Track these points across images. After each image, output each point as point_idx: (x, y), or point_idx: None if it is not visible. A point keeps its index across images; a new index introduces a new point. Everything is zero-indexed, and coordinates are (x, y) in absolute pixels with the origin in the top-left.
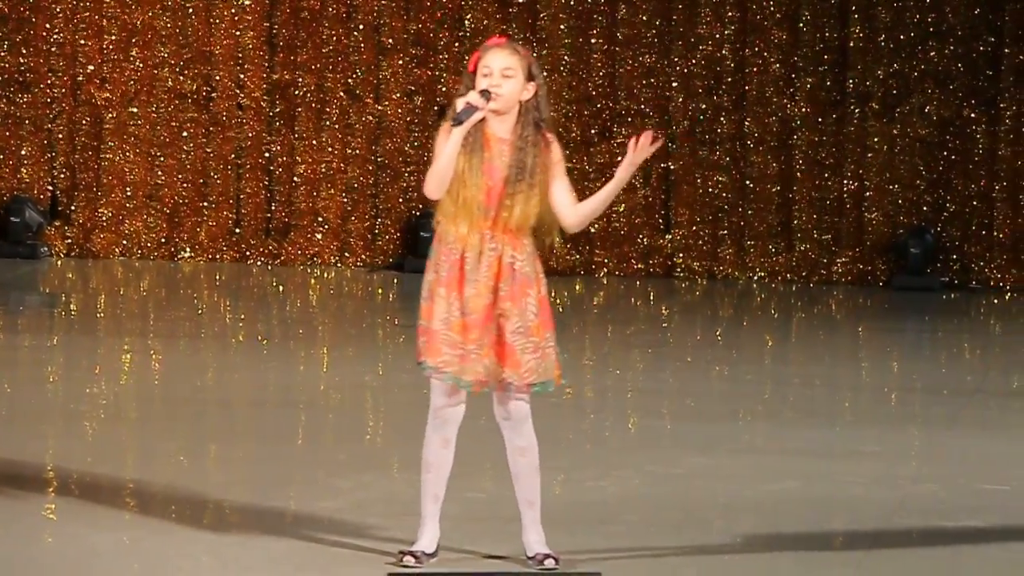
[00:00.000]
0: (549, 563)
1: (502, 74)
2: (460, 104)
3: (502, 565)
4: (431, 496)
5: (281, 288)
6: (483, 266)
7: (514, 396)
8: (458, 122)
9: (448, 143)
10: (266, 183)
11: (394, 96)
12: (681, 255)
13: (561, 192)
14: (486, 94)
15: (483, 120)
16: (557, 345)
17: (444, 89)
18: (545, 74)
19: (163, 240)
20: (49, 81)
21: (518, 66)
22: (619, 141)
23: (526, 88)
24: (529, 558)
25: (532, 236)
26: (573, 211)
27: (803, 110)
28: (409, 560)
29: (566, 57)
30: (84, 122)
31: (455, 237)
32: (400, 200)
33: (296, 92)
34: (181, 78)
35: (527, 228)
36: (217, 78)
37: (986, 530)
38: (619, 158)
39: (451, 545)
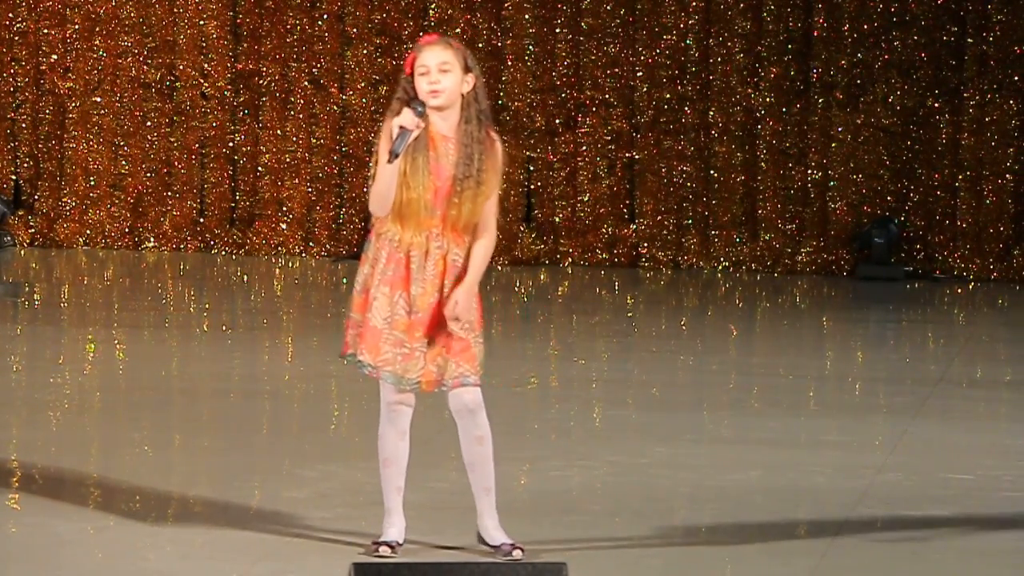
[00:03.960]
0: (517, 554)
1: (439, 69)
2: (394, 129)
3: (468, 555)
4: (393, 489)
5: (246, 278)
6: (430, 265)
7: (469, 387)
8: (395, 155)
9: (387, 172)
10: (230, 173)
11: (359, 85)
12: (646, 245)
13: (488, 205)
14: (418, 109)
15: (427, 122)
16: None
17: None
18: (510, 63)
19: (127, 229)
20: (12, 70)
21: (454, 59)
22: (583, 131)
23: (464, 80)
24: (494, 547)
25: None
26: (480, 229)
27: (767, 100)
28: (385, 550)
29: (531, 47)
30: (47, 111)
31: (400, 236)
32: (365, 190)
33: (260, 81)
34: (145, 67)
35: (471, 227)
36: (181, 67)
37: (950, 519)
38: (584, 148)
39: (416, 534)
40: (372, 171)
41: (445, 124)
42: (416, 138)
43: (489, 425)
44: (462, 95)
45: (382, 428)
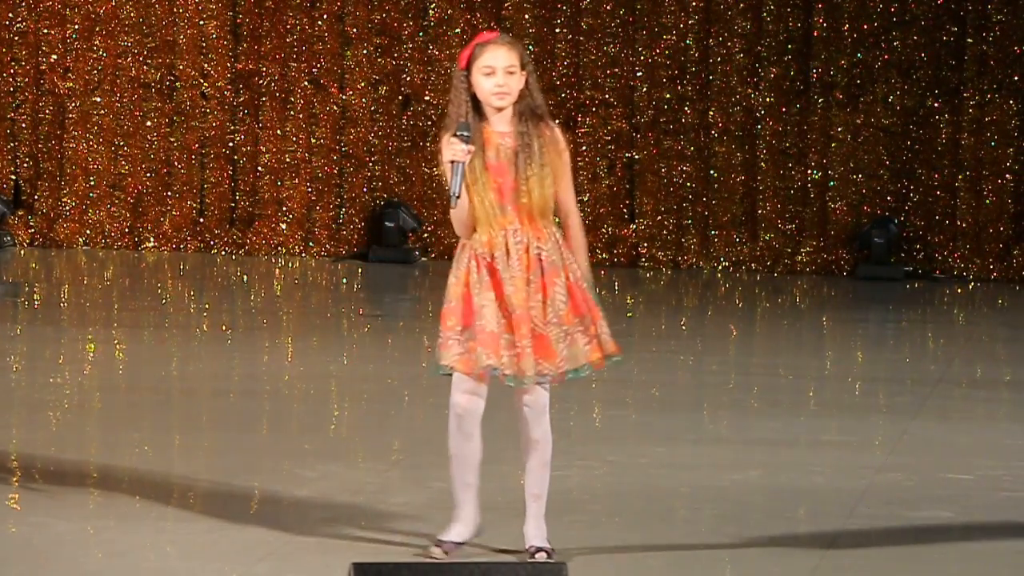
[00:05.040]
0: (540, 556)
1: (506, 72)
2: (446, 168)
3: (468, 555)
4: (460, 484)
5: (245, 278)
6: (513, 262)
7: (542, 386)
8: (456, 197)
9: (457, 207)
10: (230, 173)
11: (359, 85)
12: (645, 245)
13: (562, 192)
14: (464, 135)
15: (483, 120)
16: (601, 324)
17: (408, 79)
18: None
19: (127, 229)
20: (12, 70)
21: (517, 59)
22: (583, 131)
23: (520, 77)
24: (526, 549)
25: (554, 222)
26: (564, 218)
27: (767, 100)
28: (436, 551)
29: (530, 47)
30: (47, 111)
31: (480, 242)
32: (365, 190)
33: (260, 81)
34: (144, 67)
35: (548, 213)
36: (180, 67)
37: (950, 519)
38: (584, 148)
39: (417, 534)
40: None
41: (502, 121)
42: (472, 142)
43: (550, 433)
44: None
45: (450, 427)
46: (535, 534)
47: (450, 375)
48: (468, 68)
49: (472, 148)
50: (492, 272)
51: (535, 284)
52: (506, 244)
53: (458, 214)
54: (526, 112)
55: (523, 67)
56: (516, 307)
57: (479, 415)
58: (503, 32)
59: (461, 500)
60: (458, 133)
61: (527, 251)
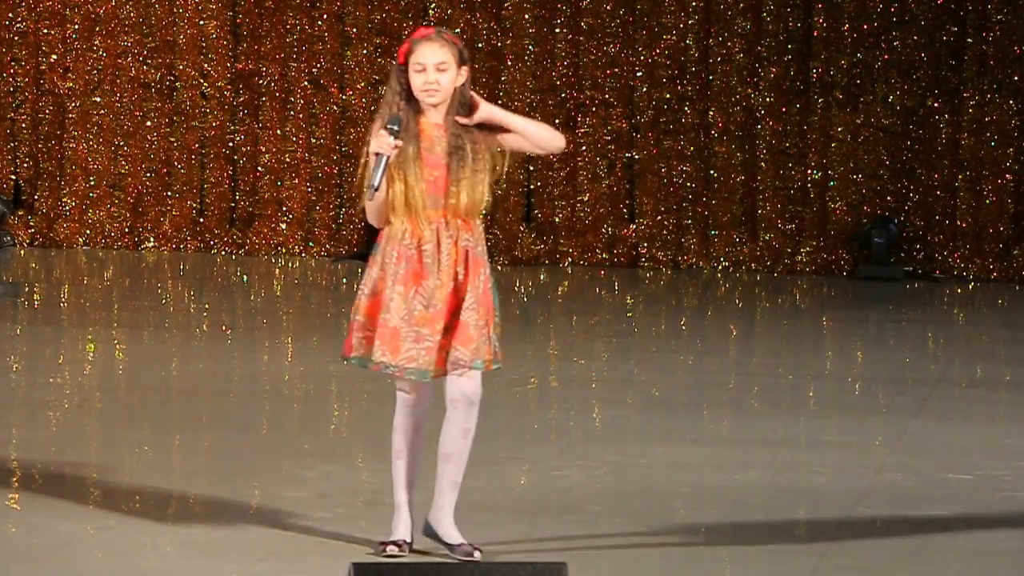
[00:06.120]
0: (477, 555)
1: (436, 68)
2: (371, 159)
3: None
4: (403, 483)
5: (245, 278)
6: (443, 256)
7: (468, 375)
8: (375, 188)
9: (373, 200)
10: (230, 173)
11: (359, 85)
12: (645, 245)
13: (507, 137)
14: (393, 128)
15: (418, 112)
16: (494, 331)
17: None
18: (509, 63)
19: (127, 229)
20: (12, 70)
21: (450, 56)
22: (583, 131)
23: (459, 74)
24: (450, 544)
25: (480, 219)
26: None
27: (767, 99)
28: (393, 549)
29: (530, 47)
30: (47, 111)
31: (405, 232)
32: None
33: (260, 81)
34: (144, 67)
35: (477, 213)
36: (180, 67)
37: (950, 519)
38: (584, 148)
39: (416, 533)
40: (360, 172)
41: (437, 115)
42: (405, 128)
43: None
44: (455, 88)
45: (396, 420)
46: (454, 527)
47: (354, 364)
48: (405, 63)
49: (399, 143)
50: (413, 264)
51: (463, 274)
52: (436, 238)
53: (375, 204)
54: (461, 110)
55: (461, 64)
56: (439, 301)
57: (427, 405)
58: (441, 28)
59: (401, 500)
60: (388, 126)
61: (456, 244)
